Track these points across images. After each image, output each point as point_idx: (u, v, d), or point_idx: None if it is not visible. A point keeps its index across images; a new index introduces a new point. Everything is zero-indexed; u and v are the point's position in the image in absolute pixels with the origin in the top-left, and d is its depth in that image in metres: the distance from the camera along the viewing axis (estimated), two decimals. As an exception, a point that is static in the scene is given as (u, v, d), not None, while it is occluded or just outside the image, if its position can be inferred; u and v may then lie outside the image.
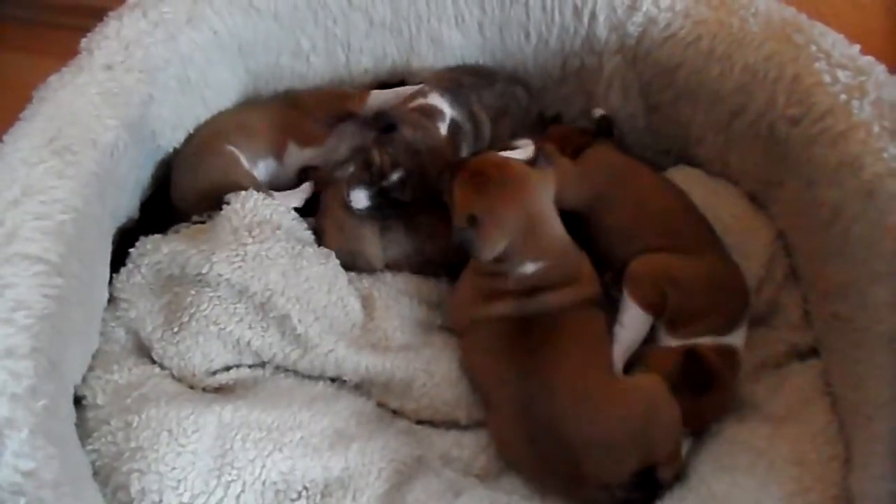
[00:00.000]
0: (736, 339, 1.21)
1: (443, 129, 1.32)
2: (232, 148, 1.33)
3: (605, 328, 1.21)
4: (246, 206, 1.26)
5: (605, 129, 1.46)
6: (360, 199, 1.27)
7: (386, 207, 1.28)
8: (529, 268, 1.17)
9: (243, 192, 1.27)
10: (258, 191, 1.27)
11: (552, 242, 1.19)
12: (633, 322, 1.22)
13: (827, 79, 1.17)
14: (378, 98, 1.43)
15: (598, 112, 1.48)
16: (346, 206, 1.30)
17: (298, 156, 1.41)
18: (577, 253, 1.22)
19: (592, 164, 1.33)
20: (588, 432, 1.08)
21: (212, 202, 1.28)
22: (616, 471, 1.08)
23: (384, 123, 1.26)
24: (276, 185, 1.38)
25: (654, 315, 1.21)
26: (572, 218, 1.26)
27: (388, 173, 1.25)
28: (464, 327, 1.23)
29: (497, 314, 1.17)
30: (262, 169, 1.38)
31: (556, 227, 1.20)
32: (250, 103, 1.46)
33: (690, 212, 1.29)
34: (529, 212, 1.16)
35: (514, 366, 1.13)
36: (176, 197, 1.34)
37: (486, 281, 1.19)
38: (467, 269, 1.24)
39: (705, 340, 1.19)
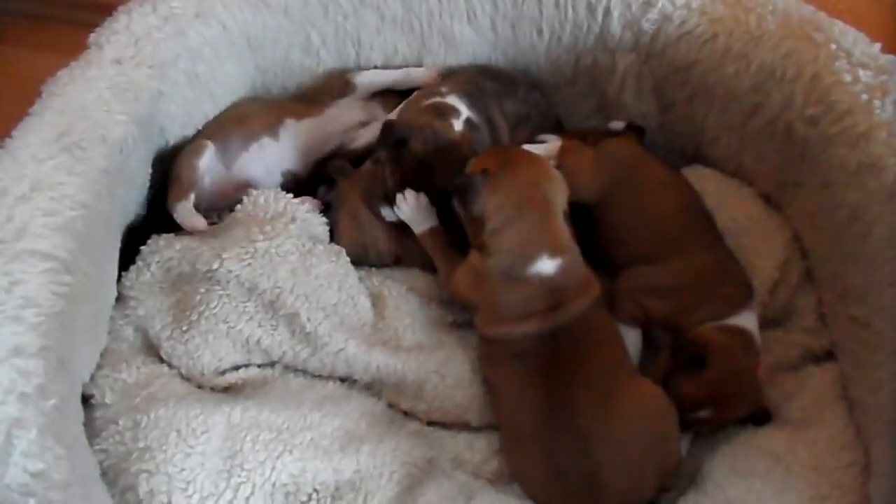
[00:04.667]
0: (743, 320, 1.19)
1: (457, 125, 1.30)
2: (207, 142, 1.31)
3: (616, 325, 1.20)
4: (258, 203, 1.25)
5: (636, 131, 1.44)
6: (388, 214, 1.27)
7: None
8: (548, 265, 1.12)
9: (256, 190, 1.27)
10: (182, 187, 1.26)
11: (567, 241, 1.15)
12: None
13: (847, 78, 1.15)
14: (377, 74, 1.43)
15: (618, 124, 1.45)
16: (364, 197, 1.29)
17: (296, 128, 1.38)
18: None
19: (608, 155, 1.32)
20: (610, 435, 1.06)
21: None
22: (635, 485, 1.06)
23: (394, 138, 1.23)
24: (273, 164, 1.36)
25: (637, 327, 1.22)
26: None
27: (398, 192, 1.24)
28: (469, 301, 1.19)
29: (522, 334, 1.12)
30: (254, 151, 1.35)
31: (567, 229, 1.17)
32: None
33: (686, 212, 1.28)
34: (545, 197, 1.14)
35: (540, 382, 1.09)
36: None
37: (506, 295, 1.13)
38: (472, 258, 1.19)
39: (705, 327, 1.18)
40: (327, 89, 1.44)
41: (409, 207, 1.24)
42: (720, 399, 1.13)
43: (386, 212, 1.27)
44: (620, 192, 1.28)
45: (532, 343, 1.11)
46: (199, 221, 1.25)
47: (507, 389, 1.14)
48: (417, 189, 1.23)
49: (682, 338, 1.14)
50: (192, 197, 1.26)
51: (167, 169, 1.31)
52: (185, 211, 1.25)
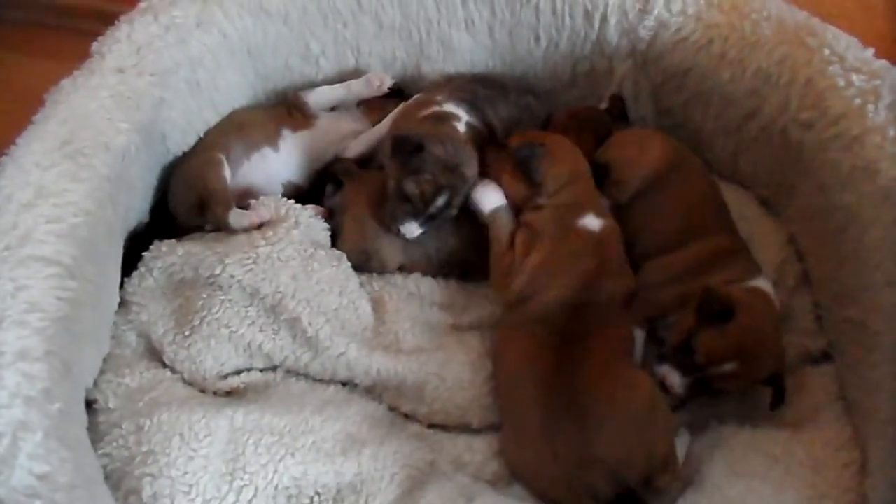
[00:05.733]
0: (761, 284, 1.21)
1: (460, 127, 1.31)
2: (220, 155, 1.31)
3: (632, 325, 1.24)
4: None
5: (618, 110, 1.45)
6: (412, 230, 1.26)
7: (436, 224, 1.29)
8: (594, 222, 1.25)
9: (261, 198, 1.28)
10: (225, 198, 1.27)
11: (605, 210, 1.29)
12: None
13: (841, 83, 1.17)
14: (322, 93, 1.42)
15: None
16: (370, 205, 1.30)
17: (293, 139, 1.39)
18: None
19: (665, 140, 1.35)
20: (607, 412, 1.09)
21: (193, 208, 1.28)
22: (624, 460, 1.07)
23: (410, 147, 1.23)
24: (273, 174, 1.37)
25: (644, 329, 1.25)
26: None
27: (432, 199, 1.24)
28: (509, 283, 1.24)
29: (558, 294, 1.18)
30: (255, 160, 1.36)
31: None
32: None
33: (713, 196, 1.32)
34: (586, 169, 1.30)
35: (551, 353, 1.14)
36: (170, 204, 1.33)
37: (559, 245, 1.22)
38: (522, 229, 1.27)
39: (731, 286, 1.19)
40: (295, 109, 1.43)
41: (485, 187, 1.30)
42: (745, 352, 1.12)
43: (409, 228, 1.26)
44: (671, 177, 1.30)
45: (560, 310, 1.18)
46: (255, 215, 1.26)
47: (515, 362, 1.17)
48: (448, 189, 1.24)
49: (709, 294, 1.15)
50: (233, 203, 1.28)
51: (171, 179, 1.32)
52: (238, 217, 1.26)
